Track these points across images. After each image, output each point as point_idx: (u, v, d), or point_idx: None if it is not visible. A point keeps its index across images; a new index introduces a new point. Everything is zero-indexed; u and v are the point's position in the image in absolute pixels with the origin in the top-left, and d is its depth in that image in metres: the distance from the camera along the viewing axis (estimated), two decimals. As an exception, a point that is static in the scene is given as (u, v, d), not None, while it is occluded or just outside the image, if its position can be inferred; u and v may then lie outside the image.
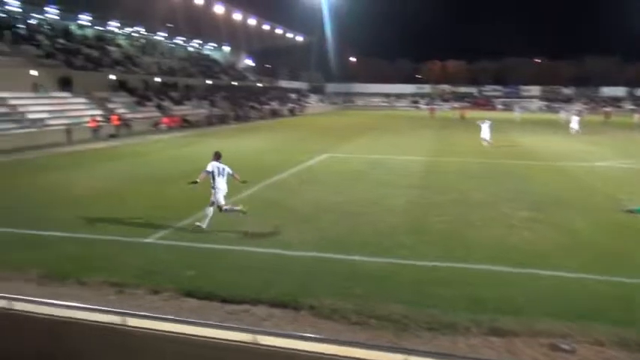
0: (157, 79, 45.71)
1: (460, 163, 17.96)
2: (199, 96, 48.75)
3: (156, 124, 36.01)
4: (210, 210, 9.48)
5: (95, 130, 28.09)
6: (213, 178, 9.53)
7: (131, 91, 40.33)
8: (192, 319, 1.86)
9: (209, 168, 9.56)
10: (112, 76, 40.05)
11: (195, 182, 9.57)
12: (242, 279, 6.72)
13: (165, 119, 36.60)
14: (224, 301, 6.00)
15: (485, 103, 77.20)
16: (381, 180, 14.14)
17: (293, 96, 72.16)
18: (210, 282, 6.54)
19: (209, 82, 54.15)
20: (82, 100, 34.07)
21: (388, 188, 13.00)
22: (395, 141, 25.40)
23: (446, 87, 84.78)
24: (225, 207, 9.57)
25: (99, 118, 30.54)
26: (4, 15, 36.58)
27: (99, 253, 7.77)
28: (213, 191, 9.54)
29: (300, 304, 5.90)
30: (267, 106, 58.22)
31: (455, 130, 33.74)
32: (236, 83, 60.78)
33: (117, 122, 31.10)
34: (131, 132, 31.95)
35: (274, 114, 53.06)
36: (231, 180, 9.70)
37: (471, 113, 52.66)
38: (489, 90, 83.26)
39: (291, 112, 57.94)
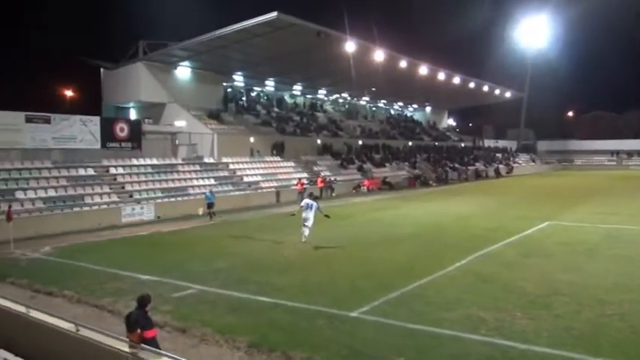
0: (359, 142, 47.36)
1: None
2: (400, 157, 50.40)
3: (357, 187, 37.19)
4: (305, 230, 14.90)
5: (301, 192, 29.66)
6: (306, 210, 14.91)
7: (335, 155, 42.48)
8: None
9: (302, 204, 15.23)
10: (319, 141, 42.59)
11: (293, 214, 15.18)
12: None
13: (366, 181, 37.74)
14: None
15: None
16: (624, 256, 12.74)
17: (499, 156, 69.16)
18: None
19: (410, 143, 56.54)
20: (291, 163, 36.40)
21: (635, 268, 11.58)
22: (633, 207, 23.45)
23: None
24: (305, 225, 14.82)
25: (304, 181, 32.15)
26: (231, 89, 41.00)
27: (305, 324, 8.07)
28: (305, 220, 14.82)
29: None
30: (471, 167, 56.16)
31: None
32: (437, 143, 61.25)
33: (321, 184, 32.64)
34: (334, 194, 33.43)
35: (478, 175, 52.34)
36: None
37: None
38: None
39: (497, 173, 55.59)
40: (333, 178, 36.60)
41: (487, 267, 12.07)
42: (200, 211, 22.67)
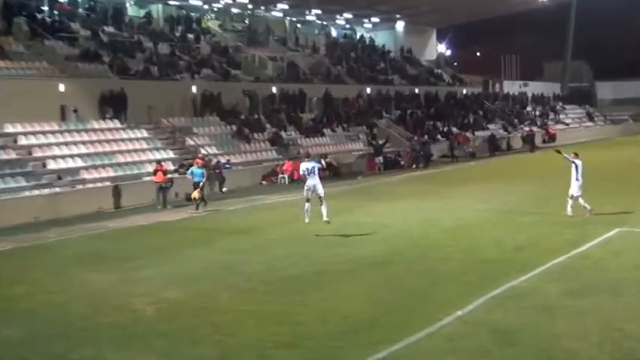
0: (273, 90, 48.86)
1: None
2: (351, 118, 51.39)
3: (270, 175, 38.67)
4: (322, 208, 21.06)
5: (163, 187, 29.83)
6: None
7: (226, 115, 43.29)
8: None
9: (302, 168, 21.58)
10: (195, 89, 43.05)
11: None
12: None
13: (287, 165, 38.89)
14: None
15: None
16: None
17: (531, 111, 72.21)
18: None
19: (368, 90, 56.94)
20: (143, 133, 36.81)
21: None
22: None
23: None
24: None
25: (168, 166, 32.35)
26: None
27: None
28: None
29: None
30: (480, 133, 58.10)
31: None
32: (418, 90, 62.39)
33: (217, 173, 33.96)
34: (224, 189, 34.44)
35: (494, 147, 54.97)
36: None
37: None
38: None
39: (530, 142, 57.71)
40: (223, 160, 37.04)
41: (510, 316, 12.51)
42: (195, 195, 27.88)
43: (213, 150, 38.63)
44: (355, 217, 24.40)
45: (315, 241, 20.49)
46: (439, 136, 54.22)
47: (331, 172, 38.54)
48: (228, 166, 36.77)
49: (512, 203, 26.72)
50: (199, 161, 30.25)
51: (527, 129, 61.72)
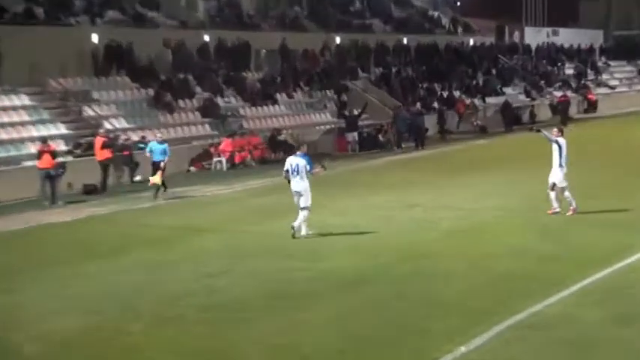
0: (205, 39, 48.56)
1: None
2: (314, 80, 51.00)
3: (199, 161, 39.34)
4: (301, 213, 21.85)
5: (51, 175, 29.66)
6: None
7: (140, 75, 43.09)
8: None
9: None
10: (96, 37, 42.89)
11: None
12: None
13: (224, 143, 39.76)
14: None
15: None
16: None
17: (563, 69, 71.80)
18: None
19: (337, 39, 57.15)
20: (22, 100, 36.82)
21: None
22: None
23: None
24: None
25: (54, 146, 31.86)
26: None
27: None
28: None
29: None
30: (491, 99, 58.33)
31: None
32: (407, 40, 62.57)
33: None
34: (136, 178, 34.84)
35: (511, 118, 55.10)
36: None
37: None
38: None
39: (562, 112, 57.39)
40: (135, 138, 37.43)
41: (533, 353, 12.51)
42: (156, 180, 29.74)
43: (121, 123, 38.57)
44: (321, 218, 23.78)
45: (266, 252, 20.41)
46: (436, 104, 54.38)
47: (285, 153, 37.25)
48: (142, 145, 35.88)
49: (535, 197, 26.27)
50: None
51: (558, 94, 61.83)
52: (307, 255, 19.92)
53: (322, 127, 47.42)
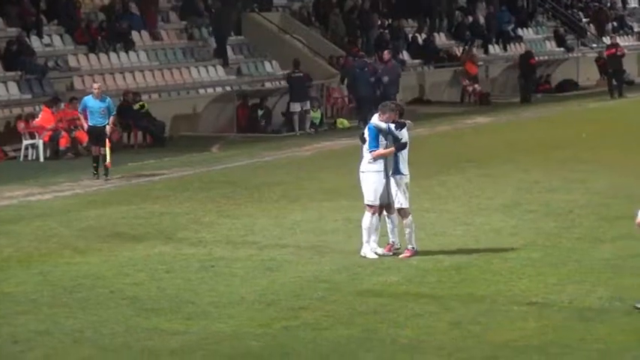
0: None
1: None
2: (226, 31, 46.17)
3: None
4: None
5: None
6: None
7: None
8: None
9: None
10: None
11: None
12: None
13: (42, 119, 35.61)
14: None
15: None
16: None
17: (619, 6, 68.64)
18: None
19: None
20: None
21: None
22: None
23: None
24: None
25: None
26: None
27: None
28: None
29: None
30: (502, 54, 55.03)
31: None
32: None
33: None
34: None
35: (533, 80, 51.09)
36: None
37: None
38: None
39: (610, 71, 52.73)
40: None
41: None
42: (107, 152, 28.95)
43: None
44: (208, 246, 19.84)
45: (117, 303, 15.83)
46: (410, 58, 49.78)
47: (151, 138, 37.01)
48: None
49: (571, 212, 22.91)
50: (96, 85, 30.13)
51: (610, 44, 54.18)
52: (188, 308, 14.97)
53: (209, 90, 41.79)
